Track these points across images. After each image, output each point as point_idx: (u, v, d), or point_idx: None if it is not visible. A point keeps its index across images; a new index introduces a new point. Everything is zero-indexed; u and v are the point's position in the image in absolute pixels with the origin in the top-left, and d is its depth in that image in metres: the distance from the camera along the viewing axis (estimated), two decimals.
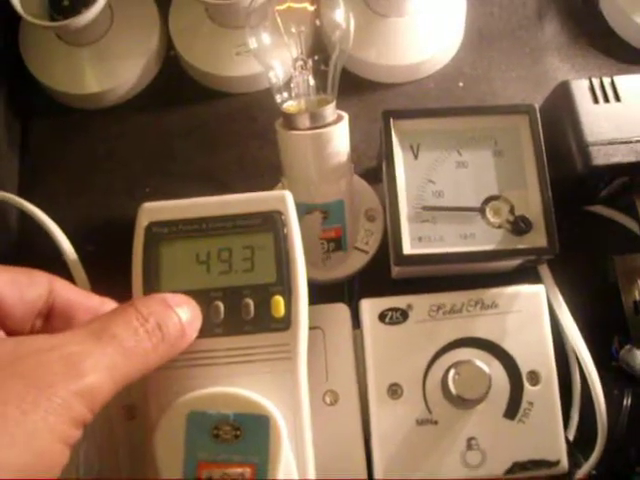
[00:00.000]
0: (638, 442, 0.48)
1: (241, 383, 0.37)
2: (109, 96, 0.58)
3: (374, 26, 0.57)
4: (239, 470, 0.35)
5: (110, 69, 0.57)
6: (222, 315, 0.39)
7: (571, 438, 0.50)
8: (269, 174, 0.54)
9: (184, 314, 0.36)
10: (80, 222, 0.51)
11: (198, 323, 0.37)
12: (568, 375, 0.51)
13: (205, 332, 0.38)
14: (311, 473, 0.38)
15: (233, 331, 0.38)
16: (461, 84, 0.59)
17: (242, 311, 0.39)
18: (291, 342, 0.39)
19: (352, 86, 0.58)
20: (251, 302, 0.39)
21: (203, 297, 0.39)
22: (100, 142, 0.58)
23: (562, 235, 0.46)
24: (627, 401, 0.49)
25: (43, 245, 0.50)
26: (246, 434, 0.35)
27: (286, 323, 0.39)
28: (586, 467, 0.47)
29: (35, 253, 0.53)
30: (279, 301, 0.39)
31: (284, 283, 0.39)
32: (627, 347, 0.50)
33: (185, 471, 0.35)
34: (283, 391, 0.38)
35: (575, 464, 0.48)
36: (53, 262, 0.48)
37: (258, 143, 0.57)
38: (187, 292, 0.39)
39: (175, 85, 0.60)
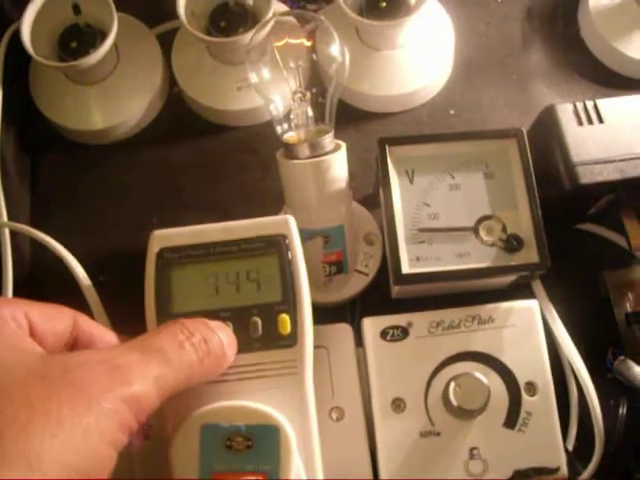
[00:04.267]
0: (635, 449, 0.50)
1: (251, 397, 0.39)
2: (115, 132, 0.60)
3: (367, 59, 0.59)
4: (252, 478, 0.36)
5: (116, 106, 0.60)
6: None
7: (570, 447, 0.51)
8: (271, 203, 0.56)
9: (224, 337, 0.38)
10: (91, 253, 0.52)
11: (235, 348, 0.39)
12: (565, 386, 0.52)
13: None
14: (319, 476, 0.39)
15: (242, 348, 0.40)
16: (452, 112, 0.61)
17: (250, 329, 0.41)
18: (298, 358, 0.41)
19: (348, 116, 0.60)
20: (259, 320, 0.41)
21: (213, 317, 0.41)
22: (107, 176, 0.60)
23: (554, 252, 0.48)
24: (622, 410, 0.51)
25: (55, 275, 0.52)
26: (257, 444, 0.37)
27: (292, 340, 0.41)
28: (585, 475, 0.49)
29: (47, 283, 0.55)
30: (285, 319, 0.41)
31: (289, 302, 0.41)
32: (621, 358, 0.51)
33: None
34: (291, 403, 0.40)
35: (575, 473, 0.49)
36: (65, 291, 0.50)
37: (260, 174, 0.59)
38: (198, 313, 0.41)
39: (179, 120, 0.62)
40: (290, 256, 0.42)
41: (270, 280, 0.42)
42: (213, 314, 0.41)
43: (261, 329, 0.41)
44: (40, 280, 0.56)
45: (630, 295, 0.53)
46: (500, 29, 0.64)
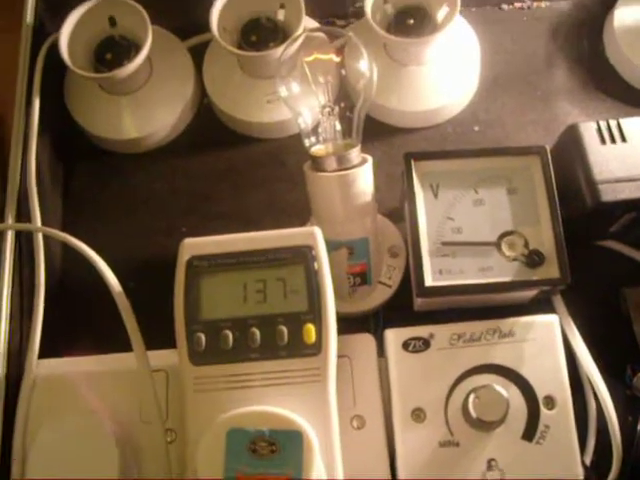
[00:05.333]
0: None
1: (275, 403, 0.40)
2: (147, 141, 0.62)
3: (395, 74, 0.61)
4: None
5: (148, 116, 0.61)
6: (258, 341, 0.42)
7: (588, 462, 0.52)
8: (297, 215, 0.57)
9: None
10: (120, 260, 0.52)
11: None
12: (584, 401, 0.53)
13: (242, 357, 0.42)
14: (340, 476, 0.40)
15: (268, 356, 0.42)
16: (477, 128, 0.62)
17: (277, 337, 0.42)
18: (321, 366, 0.42)
19: (375, 131, 0.62)
20: (285, 329, 0.42)
21: (241, 324, 0.42)
22: (138, 184, 0.62)
23: (575, 269, 0.49)
24: None
25: (85, 280, 0.53)
26: (281, 449, 0.38)
27: (317, 349, 0.42)
28: None
29: (78, 287, 0.57)
30: (311, 328, 0.42)
31: (315, 311, 0.42)
32: None
33: None
34: (314, 410, 0.41)
35: None
36: (95, 296, 0.51)
37: (287, 186, 0.60)
38: (225, 320, 0.42)
39: (209, 131, 0.64)
40: (316, 267, 0.43)
41: (296, 290, 0.43)
42: (241, 321, 0.42)
43: (287, 337, 0.42)
44: (70, 284, 0.58)
45: None
46: (525, 47, 0.65)
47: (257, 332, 0.42)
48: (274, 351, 0.42)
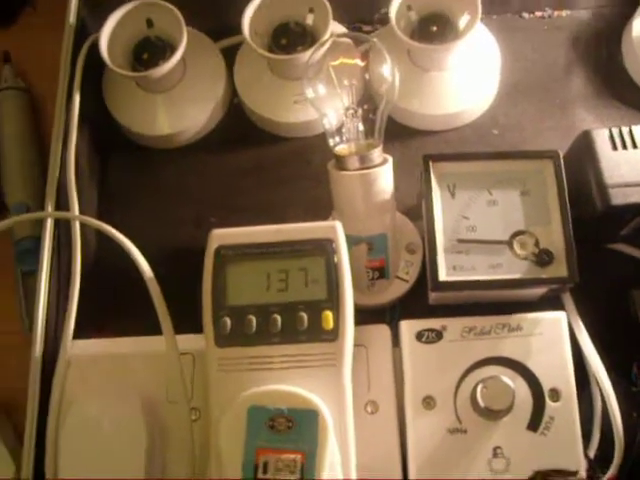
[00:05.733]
0: None
1: (294, 383, 0.43)
2: (179, 137, 0.65)
3: (417, 79, 0.63)
4: (292, 456, 0.40)
5: (181, 113, 0.64)
6: (279, 326, 0.45)
7: (592, 455, 0.54)
8: (320, 210, 0.59)
9: None
10: (151, 248, 0.55)
11: None
12: (590, 397, 0.54)
13: (264, 341, 0.45)
14: (353, 462, 0.43)
15: (288, 340, 0.45)
16: (496, 132, 0.65)
17: (297, 323, 0.45)
18: (337, 351, 0.45)
19: (396, 133, 0.64)
20: (305, 316, 0.45)
21: (263, 311, 0.45)
22: (170, 178, 0.65)
23: (587, 270, 0.51)
24: None
25: (118, 266, 0.55)
26: (298, 426, 0.41)
27: (334, 335, 0.45)
28: None
29: (111, 273, 0.60)
30: (329, 315, 0.45)
31: (333, 300, 0.45)
32: None
33: (245, 456, 0.41)
34: (329, 392, 0.43)
35: (594, 478, 0.52)
36: (127, 281, 0.55)
37: (311, 183, 0.63)
38: (250, 306, 0.45)
39: (238, 129, 0.67)
40: (336, 259, 0.46)
41: (317, 279, 0.46)
42: (264, 308, 0.45)
43: (306, 323, 0.45)
44: (105, 270, 0.61)
45: None
46: (545, 55, 0.67)
47: (279, 318, 0.45)
48: (294, 336, 0.45)
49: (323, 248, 0.46)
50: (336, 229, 0.47)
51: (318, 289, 0.46)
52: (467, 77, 0.63)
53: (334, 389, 0.44)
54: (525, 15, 0.69)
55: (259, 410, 0.42)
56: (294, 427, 0.41)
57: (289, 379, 0.44)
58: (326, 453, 0.41)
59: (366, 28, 0.69)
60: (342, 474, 0.42)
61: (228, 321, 0.45)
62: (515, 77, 0.66)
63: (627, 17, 0.67)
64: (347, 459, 0.43)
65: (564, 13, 0.69)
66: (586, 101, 0.66)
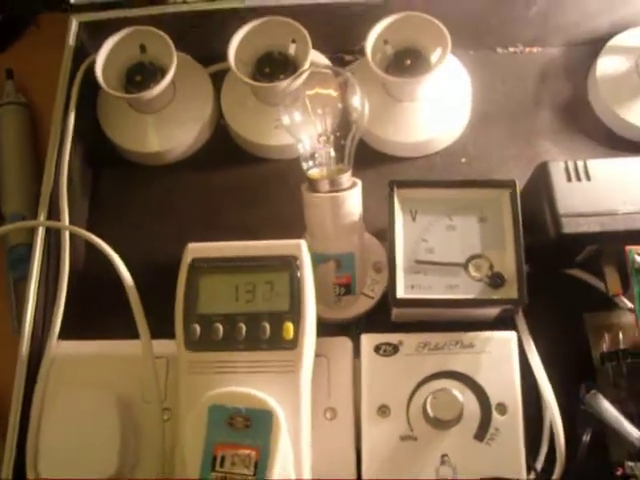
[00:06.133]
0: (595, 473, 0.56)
1: (254, 387, 0.47)
2: (167, 155, 0.69)
3: (390, 109, 0.67)
4: (247, 452, 0.44)
5: (170, 133, 0.69)
6: (244, 334, 0.49)
7: (539, 468, 0.57)
8: (295, 229, 0.61)
9: None
10: (135, 259, 0.59)
11: None
12: (541, 413, 0.58)
13: (230, 347, 0.49)
14: (305, 460, 0.47)
15: (252, 347, 0.49)
16: (464, 160, 0.69)
17: (260, 332, 0.49)
18: (296, 359, 0.48)
19: (370, 159, 0.68)
20: (267, 325, 0.49)
21: (230, 319, 0.49)
22: (157, 194, 0.69)
23: (543, 294, 0.55)
24: (586, 437, 0.56)
25: (105, 276, 0.58)
26: (254, 424, 0.45)
27: (294, 344, 0.48)
28: None
29: (98, 282, 0.63)
30: (289, 326, 0.49)
31: (295, 312, 0.49)
32: (592, 392, 0.55)
33: (205, 451, 0.45)
34: (286, 396, 0.47)
35: None
36: (112, 290, 0.58)
37: (288, 202, 0.66)
38: (218, 315, 0.49)
39: (223, 150, 0.71)
40: (299, 274, 0.50)
41: (281, 292, 0.50)
42: (231, 317, 0.49)
43: (269, 332, 0.49)
44: (91, 278, 0.65)
45: (607, 336, 0.59)
46: (515, 88, 0.71)
47: (244, 327, 0.49)
48: (257, 343, 0.49)
49: (288, 264, 0.50)
50: (301, 247, 0.51)
51: (281, 301, 0.49)
52: (438, 108, 0.67)
53: (291, 393, 0.48)
54: (499, 50, 0.73)
55: (219, 409, 0.45)
56: (251, 426, 0.45)
57: (251, 382, 0.47)
58: (278, 450, 0.44)
59: (348, 58, 0.73)
60: (294, 471, 0.46)
61: (197, 328, 0.49)
62: (485, 108, 0.70)
63: (594, 56, 0.70)
64: (299, 457, 0.47)
65: (535, 50, 0.73)
66: (552, 134, 0.70)
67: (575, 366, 0.59)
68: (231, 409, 0.45)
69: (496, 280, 0.54)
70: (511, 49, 0.73)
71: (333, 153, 0.57)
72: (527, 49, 0.73)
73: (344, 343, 0.56)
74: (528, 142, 0.69)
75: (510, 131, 0.70)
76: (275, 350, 0.48)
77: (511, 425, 0.53)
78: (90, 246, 0.61)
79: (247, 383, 0.47)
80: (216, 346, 0.49)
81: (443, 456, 0.52)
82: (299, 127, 0.58)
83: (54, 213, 0.63)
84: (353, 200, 0.57)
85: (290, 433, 0.46)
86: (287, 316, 0.49)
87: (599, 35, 0.71)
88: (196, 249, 0.52)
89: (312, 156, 0.57)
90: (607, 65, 0.69)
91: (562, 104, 0.71)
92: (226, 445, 0.44)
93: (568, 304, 0.61)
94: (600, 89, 0.68)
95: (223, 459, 0.44)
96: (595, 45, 0.71)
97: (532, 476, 0.56)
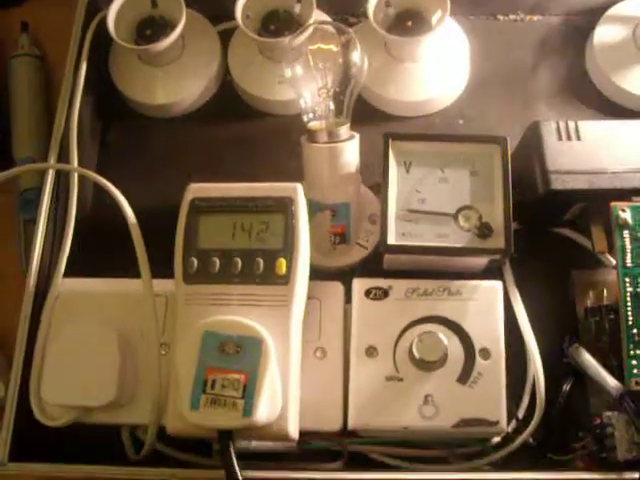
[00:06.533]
0: (574, 421, 0.58)
1: (247, 317, 0.49)
2: (174, 108, 0.72)
3: (392, 68, 0.69)
4: (236, 376, 0.47)
5: (177, 86, 0.71)
6: (239, 268, 0.51)
7: (520, 416, 0.59)
8: (295, 179, 0.65)
9: None
10: (141, 202, 0.61)
11: None
12: (525, 364, 0.60)
13: (225, 280, 0.51)
14: (293, 388, 0.50)
15: (246, 281, 0.51)
16: (461, 121, 0.71)
17: (254, 267, 0.51)
18: (288, 294, 0.51)
19: (372, 117, 0.70)
20: (261, 261, 0.51)
21: (227, 254, 0.52)
22: (164, 144, 0.72)
23: (533, 251, 0.58)
24: (566, 387, 0.58)
25: (111, 216, 0.61)
26: (244, 351, 0.48)
27: (286, 279, 0.51)
28: (524, 435, 0.57)
29: (105, 223, 0.65)
30: (282, 262, 0.51)
31: (288, 250, 0.51)
32: (575, 345, 0.58)
33: (197, 373, 0.47)
34: (277, 327, 0.50)
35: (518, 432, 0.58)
36: (118, 230, 0.60)
37: (289, 155, 0.68)
38: (215, 249, 0.52)
39: (228, 104, 0.73)
40: (294, 215, 0.52)
41: (275, 232, 0.52)
42: (227, 252, 0.52)
43: (262, 268, 0.51)
44: (97, 219, 0.67)
45: (591, 293, 0.61)
46: (514, 54, 0.73)
47: (239, 261, 0.51)
48: (251, 278, 0.51)
49: (284, 205, 0.53)
50: (297, 190, 0.53)
51: (276, 240, 0.52)
52: (437, 69, 0.70)
53: (281, 326, 0.50)
54: (500, 17, 0.75)
55: (212, 335, 0.48)
56: (241, 352, 0.47)
57: (244, 314, 0.50)
58: (266, 376, 0.47)
59: (352, 20, 0.75)
60: (281, 398, 0.49)
61: (195, 261, 0.52)
62: (484, 73, 0.72)
63: (593, 25, 0.72)
64: (287, 386, 0.49)
65: (536, 18, 0.75)
66: (548, 98, 0.71)
67: (560, 321, 0.61)
68: (223, 335, 0.48)
69: (484, 230, 0.56)
70: (512, 16, 0.75)
71: (332, 106, 0.59)
72: (527, 17, 0.75)
73: (336, 287, 0.59)
74: (524, 106, 0.71)
75: (507, 95, 0.72)
76: (268, 285, 0.51)
77: (493, 370, 0.55)
78: (98, 192, 0.64)
79: (240, 315, 0.50)
80: (212, 279, 0.51)
81: (427, 396, 0.54)
82: (301, 81, 0.60)
83: (64, 157, 0.65)
84: (350, 151, 0.59)
85: (279, 362, 0.49)
86: (280, 253, 0.51)
87: (598, 4, 0.72)
88: (197, 189, 0.54)
89: (312, 109, 0.59)
90: (605, 34, 0.71)
91: (560, 71, 0.73)
92: (217, 369, 0.47)
93: (557, 261, 0.63)
94: (597, 57, 0.70)
95: (214, 382, 0.47)
96: (594, 15, 0.72)
97: (514, 424, 0.58)
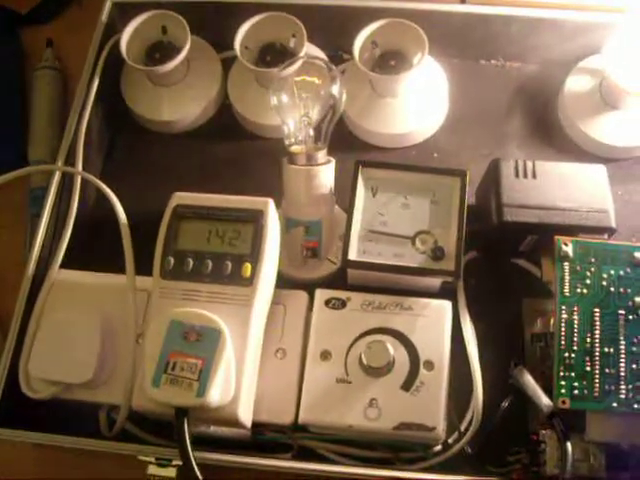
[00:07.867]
0: (513, 437, 0.63)
1: (211, 312, 0.55)
2: (177, 125, 0.79)
3: (374, 103, 0.76)
4: (194, 360, 0.53)
5: (180, 106, 0.78)
6: (209, 269, 0.57)
7: (462, 428, 0.63)
8: (280, 196, 0.70)
9: None
10: (135, 209, 0.67)
11: None
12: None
13: (196, 279, 0.57)
14: (247, 377, 0.55)
15: (215, 281, 0.57)
16: (436, 155, 0.76)
17: (223, 269, 0.57)
18: (250, 295, 0.57)
19: (355, 147, 0.76)
20: (230, 264, 0.57)
21: (200, 256, 0.58)
22: (164, 158, 0.79)
23: (489, 278, 0.63)
24: (504, 404, 0.61)
25: (110, 220, 0.67)
26: (204, 339, 0.54)
27: (250, 282, 0.57)
28: (460, 443, 0.62)
29: (104, 225, 0.70)
30: (248, 266, 0.57)
31: (254, 256, 0.57)
32: (519, 367, 0.62)
33: (161, 355, 0.53)
34: (237, 322, 0.55)
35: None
36: (114, 231, 0.66)
37: (278, 174, 0.71)
38: (190, 251, 0.58)
39: (225, 125, 0.80)
40: (263, 226, 0.58)
41: (245, 239, 0.58)
42: (201, 254, 0.58)
43: (230, 270, 0.57)
44: (95, 220, 0.74)
45: (539, 320, 0.65)
46: (491, 96, 0.79)
47: (210, 263, 0.58)
48: (219, 278, 0.57)
49: (255, 216, 0.59)
50: (268, 204, 0.59)
51: (245, 246, 0.58)
52: (416, 105, 0.76)
53: (242, 322, 0.56)
54: (482, 62, 0.81)
55: (178, 323, 0.54)
56: (201, 340, 0.54)
57: (210, 310, 0.56)
58: (221, 363, 0.53)
59: (346, 56, 0.81)
60: (234, 386, 0.54)
61: (172, 260, 0.58)
62: (461, 112, 0.78)
63: (566, 76, 0.78)
64: (241, 375, 0.55)
65: (515, 65, 0.81)
66: (520, 139, 0.77)
67: (510, 344, 0.66)
68: (187, 325, 0.54)
69: (437, 253, 0.62)
70: (493, 61, 0.81)
71: (312, 133, 0.66)
72: (508, 63, 0.81)
73: (301, 296, 0.64)
74: (497, 145, 0.76)
75: (481, 134, 0.77)
76: (233, 285, 0.57)
77: (435, 380, 0.60)
78: (99, 195, 0.71)
79: (207, 309, 0.56)
80: (185, 276, 0.58)
81: (372, 400, 0.59)
82: (285, 108, 0.66)
83: (70, 161, 0.72)
84: (325, 174, 0.65)
85: (236, 353, 0.55)
86: (247, 259, 0.57)
87: (572, 57, 0.78)
88: (180, 197, 0.61)
89: (294, 134, 0.66)
90: (575, 84, 0.77)
91: (534, 116, 0.78)
92: (178, 353, 0.53)
93: (510, 289, 0.68)
94: (567, 104, 0.76)
95: (175, 364, 0.53)
96: (567, 66, 0.78)
97: (456, 435, 0.63)
